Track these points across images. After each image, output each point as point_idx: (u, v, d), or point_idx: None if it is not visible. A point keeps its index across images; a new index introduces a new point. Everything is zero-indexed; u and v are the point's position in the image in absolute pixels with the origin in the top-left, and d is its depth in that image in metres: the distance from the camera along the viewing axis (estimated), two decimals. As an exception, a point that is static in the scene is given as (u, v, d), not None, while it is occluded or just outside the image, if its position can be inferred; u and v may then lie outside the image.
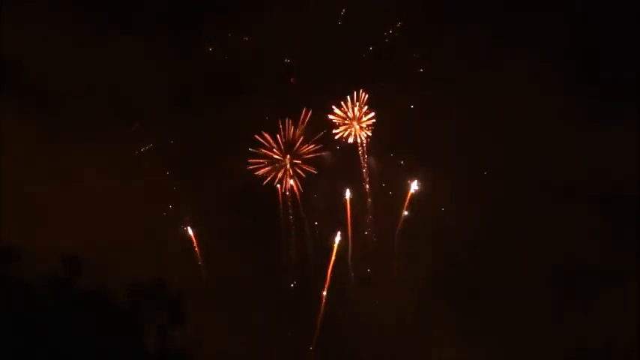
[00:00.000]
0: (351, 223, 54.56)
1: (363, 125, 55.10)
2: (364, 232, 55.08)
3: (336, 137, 55.50)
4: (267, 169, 54.58)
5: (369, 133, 54.88)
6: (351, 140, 54.94)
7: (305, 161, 55.36)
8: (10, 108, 49.10)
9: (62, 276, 30.27)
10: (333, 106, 54.91)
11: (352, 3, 55.68)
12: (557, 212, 52.91)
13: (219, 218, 53.73)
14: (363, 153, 54.85)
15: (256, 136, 54.10)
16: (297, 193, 55.36)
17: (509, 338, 50.97)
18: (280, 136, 54.83)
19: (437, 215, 54.73)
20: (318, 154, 55.68)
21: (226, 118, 53.74)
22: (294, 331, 53.22)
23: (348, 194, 54.98)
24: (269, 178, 54.63)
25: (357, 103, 54.65)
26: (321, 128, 55.53)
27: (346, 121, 55.11)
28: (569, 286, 51.78)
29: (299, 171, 55.19)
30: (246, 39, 55.21)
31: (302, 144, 55.32)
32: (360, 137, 54.96)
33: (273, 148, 54.63)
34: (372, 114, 54.75)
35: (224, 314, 50.46)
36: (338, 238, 54.78)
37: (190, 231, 52.86)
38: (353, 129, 55.06)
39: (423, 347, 53.16)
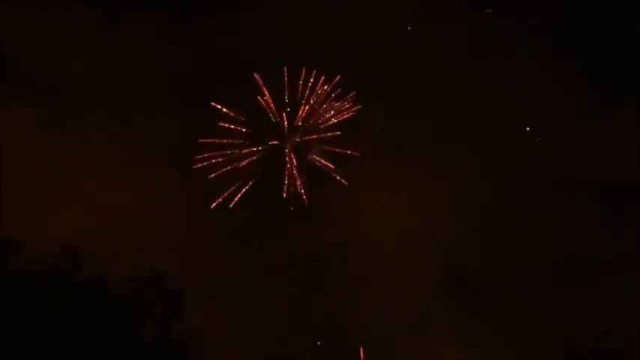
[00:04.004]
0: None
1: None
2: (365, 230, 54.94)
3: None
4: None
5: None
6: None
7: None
8: (11, 99, 49.22)
9: (62, 267, 30.38)
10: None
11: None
12: (557, 209, 53.22)
13: (220, 211, 53.48)
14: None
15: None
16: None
17: (509, 336, 51.00)
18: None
19: (436, 214, 54.67)
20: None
21: (227, 109, 53.40)
22: (293, 327, 53.14)
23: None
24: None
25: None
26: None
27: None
28: (569, 281, 52.00)
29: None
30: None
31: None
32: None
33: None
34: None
35: (225, 307, 50.37)
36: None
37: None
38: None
39: (423, 347, 53.12)
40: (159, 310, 30.74)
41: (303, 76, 54.52)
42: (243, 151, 53.70)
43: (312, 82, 54.48)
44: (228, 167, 53.39)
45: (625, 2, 53.34)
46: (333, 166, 54.27)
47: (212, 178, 53.19)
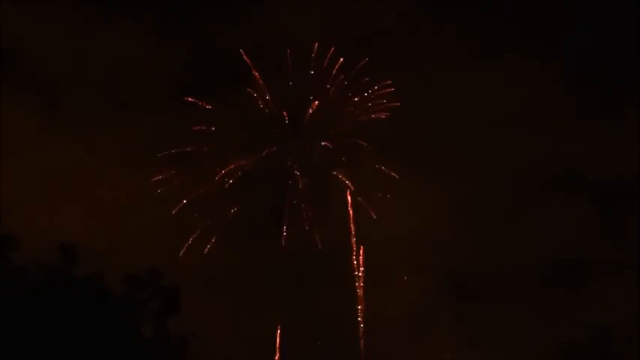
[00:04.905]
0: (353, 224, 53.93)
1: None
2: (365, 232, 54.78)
3: None
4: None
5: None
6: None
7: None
8: (11, 97, 49.49)
9: (60, 264, 30.41)
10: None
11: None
12: (556, 210, 53.37)
13: (220, 209, 53.28)
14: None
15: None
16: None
17: (508, 336, 51.11)
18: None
19: (436, 217, 54.68)
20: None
21: (226, 108, 52.79)
22: (292, 326, 53.18)
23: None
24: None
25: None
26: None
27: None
28: (568, 282, 52.16)
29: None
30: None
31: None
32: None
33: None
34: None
35: (224, 306, 50.43)
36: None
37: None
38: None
39: (422, 348, 53.16)
40: (156, 307, 30.72)
41: (315, 53, 46.71)
42: (218, 176, 48.26)
43: (328, 64, 46.37)
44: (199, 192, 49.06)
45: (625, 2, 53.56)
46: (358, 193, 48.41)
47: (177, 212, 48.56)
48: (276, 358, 51.01)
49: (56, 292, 29.57)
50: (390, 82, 47.04)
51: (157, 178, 49.33)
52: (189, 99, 49.49)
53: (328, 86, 48.53)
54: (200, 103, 50.47)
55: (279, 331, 50.61)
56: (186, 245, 48.76)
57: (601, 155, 53.21)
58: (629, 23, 52.91)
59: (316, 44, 47.28)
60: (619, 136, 52.78)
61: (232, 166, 50.82)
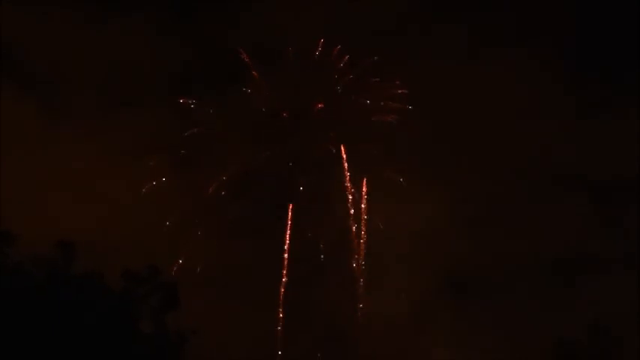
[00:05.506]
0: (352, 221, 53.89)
1: None
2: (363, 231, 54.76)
3: None
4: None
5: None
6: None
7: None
8: (10, 93, 49.54)
9: (58, 261, 30.39)
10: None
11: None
12: (555, 209, 53.40)
13: (220, 209, 53.32)
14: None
15: None
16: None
17: (508, 336, 51.09)
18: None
19: (434, 214, 54.64)
20: None
21: (225, 104, 52.83)
22: (291, 324, 53.16)
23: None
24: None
25: None
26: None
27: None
28: (566, 281, 52.14)
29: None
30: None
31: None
32: None
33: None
34: None
35: (223, 301, 50.40)
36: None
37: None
38: None
39: (422, 348, 53.12)
40: (155, 302, 30.66)
41: (321, 48, 47.58)
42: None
43: (331, 62, 46.90)
44: None
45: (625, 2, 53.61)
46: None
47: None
48: (276, 358, 51.07)
49: (55, 289, 29.56)
50: (398, 82, 47.75)
51: (156, 178, 49.87)
52: (189, 99, 49.86)
53: (333, 84, 49.72)
54: (200, 103, 50.86)
55: (279, 331, 50.77)
56: (186, 245, 49.16)
57: (601, 155, 53.37)
58: (629, 23, 53.02)
59: (321, 40, 48.05)
60: (619, 136, 52.95)
61: (232, 166, 51.28)
